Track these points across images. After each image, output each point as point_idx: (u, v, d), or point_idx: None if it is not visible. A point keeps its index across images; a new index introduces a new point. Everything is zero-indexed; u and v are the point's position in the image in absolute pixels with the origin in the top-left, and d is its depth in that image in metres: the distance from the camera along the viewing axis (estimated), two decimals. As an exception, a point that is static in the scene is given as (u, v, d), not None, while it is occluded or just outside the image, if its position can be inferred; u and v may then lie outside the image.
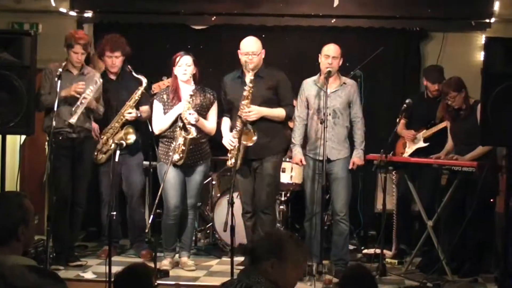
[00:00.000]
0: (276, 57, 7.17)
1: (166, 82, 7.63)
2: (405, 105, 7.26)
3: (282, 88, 7.04)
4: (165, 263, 7.06)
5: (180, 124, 6.80)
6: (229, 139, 6.89)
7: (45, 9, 8.99)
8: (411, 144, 7.89)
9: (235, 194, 6.83)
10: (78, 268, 7.11)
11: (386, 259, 7.49)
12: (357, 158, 7.10)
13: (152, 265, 6.23)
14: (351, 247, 7.79)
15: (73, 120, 7.04)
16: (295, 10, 8.96)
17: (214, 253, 7.89)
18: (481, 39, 8.45)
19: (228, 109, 7.15)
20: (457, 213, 7.07)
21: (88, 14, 9.06)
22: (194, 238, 7.94)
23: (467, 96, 7.10)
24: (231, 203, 6.11)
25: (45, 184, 7.42)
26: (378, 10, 8.83)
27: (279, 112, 6.99)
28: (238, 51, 6.94)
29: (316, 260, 6.85)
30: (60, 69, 6.84)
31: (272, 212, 7.13)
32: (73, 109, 7.04)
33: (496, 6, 8.53)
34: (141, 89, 7.35)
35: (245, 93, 6.77)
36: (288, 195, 8.09)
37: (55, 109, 6.76)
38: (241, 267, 3.95)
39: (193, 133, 6.86)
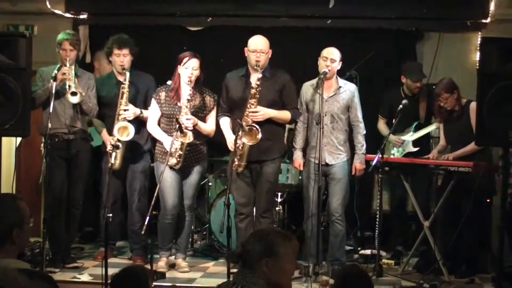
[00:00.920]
0: (273, 59, 7.15)
1: None
2: (401, 106, 7.26)
3: (288, 91, 7.03)
4: (161, 265, 7.04)
5: (176, 126, 6.77)
6: (233, 143, 6.84)
7: (40, 11, 8.98)
8: (397, 148, 7.83)
9: (231, 196, 6.83)
10: (74, 270, 7.10)
11: (383, 260, 7.49)
12: (358, 163, 7.15)
13: (148, 267, 6.21)
14: (347, 248, 7.80)
15: (74, 100, 6.98)
16: (291, 11, 8.95)
17: (210, 254, 7.87)
18: (477, 39, 8.45)
19: (228, 107, 7.12)
20: (452, 213, 7.07)
21: (84, 16, 9.04)
22: (190, 239, 7.93)
23: (459, 97, 7.10)
24: (227, 205, 6.11)
25: (41, 186, 7.41)
26: (374, 10, 8.82)
27: (285, 115, 6.98)
28: (245, 48, 6.92)
29: (312, 261, 6.85)
30: (56, 71, 6.81)
31: (270, 216, 7.16)
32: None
33: (492, 6, 8.53)
34: (126, 82, 7.17)
35: (252, 91, 6.74)
36: (284, 196, 8.08)
37: (51, 110, 6.74)
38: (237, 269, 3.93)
39: (190, 137, 6.82)
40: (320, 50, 7.20)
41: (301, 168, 7.28)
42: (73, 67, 7.04)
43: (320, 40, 8.11)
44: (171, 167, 6.93)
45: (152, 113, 7.15)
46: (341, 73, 7.43)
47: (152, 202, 6.30)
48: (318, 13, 8.87)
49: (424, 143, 7.78)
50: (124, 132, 7.11)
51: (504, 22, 8.48)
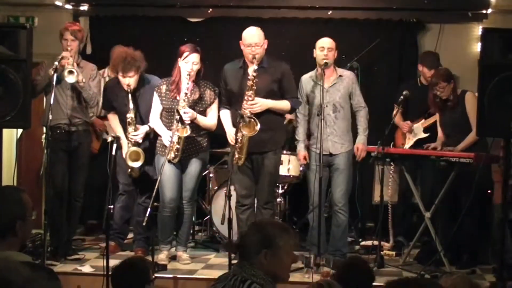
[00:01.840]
0: (273, 49, 7.14)
1: None
2: (402, 97, 7.27)
3: (286, 81, 7.00)
4: (161, 257, 7.02)
5: (177, 117, 6.76)
6: (232, 136, 6.82)
7: (41, 3, 8.98)
8: (410, 135, 7.89)
9: (232, 187, 6.83)
10: (76, 262, 7.10)
11: (384, 251, 7.50)
12: (361, 144, 7.17)
13: (149, 259, 6.22)
14: (349, 239, 7.80)
15: (70, 79, 6.95)
16: (291, 2, 8.95)
17: (211, 246, 7.88)
18: (478, 30, 8.44)
19: (227, 99, 7.10)
20: (452, 204, 7.07)
21: (84, 7, 9.03)
22: (192, 231, 7.93)
23: (455, 87, 7.13)
24: (228, 196, 6.10)
25: (42, 178, 7.42)
26: (375, 1, 8.82)
27: (284, 105, 6.97)
28: (240, 42, 6.91)
29: (314, 251, 6.85)
30: (56, 62, 6.80)
31: (272, 207, 7.16)
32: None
33: (493, -3, 8.53)
34: (131, 111, 7.10)
35: (249, 83, 6.71)
36: (285, 187, 8.09)
37: (51, 102, 6.74)
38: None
39: (188, 131, 6.80)
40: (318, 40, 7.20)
41: (305, 161, 7.27)
42: (73, 53, 7.01)
43: (321, 31, 8.09)
44: (169, 161, 6.92)
45: (154, 106, 7.13)
46: (342, 65, 7.42)
47: (153, 194, 6.31)
48: (319, 3, 8.86)
49: (436, 130, 7.76)
50: (135, 157, 7.11)
51: (505, 12, 8.48)
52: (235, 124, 6.83)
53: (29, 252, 6.73)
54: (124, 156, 7.13)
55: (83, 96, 7.16)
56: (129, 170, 7.05)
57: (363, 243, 7.96)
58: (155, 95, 7.10)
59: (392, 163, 7.82)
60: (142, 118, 7.25)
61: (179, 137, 6.82)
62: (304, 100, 7.21)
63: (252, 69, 6.74)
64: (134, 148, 7.12)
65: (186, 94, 6.84)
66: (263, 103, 6.80)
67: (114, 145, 6.71)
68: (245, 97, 6.72)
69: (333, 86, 7.14)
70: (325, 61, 6.97)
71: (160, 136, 7.07)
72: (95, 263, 6.94)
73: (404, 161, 7.49)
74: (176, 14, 9.07)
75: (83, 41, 7.53)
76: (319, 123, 6.91)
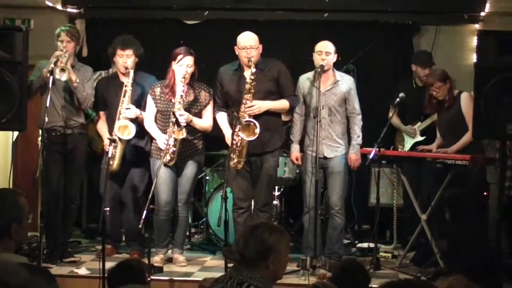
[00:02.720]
0: (269, 52, 7.14)
1: None
2: (398, 100, 7.27)
3: (283, 79, 7.01)
4: (156, 260, 7.02)
5: (173, 119, 6.76)
6: (231, 139, 6.79)
7: (37, 5, 8.96)
8: (410, 138, 7.89)
9: (229, 189, 6.82)
10: (72, 264, 7.09)
11: (381, 253, 7.50)
12: (354, 153, 7.15)
13: (145, 261, 6.21)
14: (345, 241, 7.80)
15: (61, 77, 6.90)
16: (287, 4, 8.95)
17: (208, 248, 7.87)
18: (474, 32, 8.45)
19: (223, 102, 7.10)
20: (452, 207, 7.07)
21: (80, 9, 9.03)
22: (188, 233, 7.93)
23: (451, 88, 7.11)
24: (224, 198, 6.10)
25: (38, 180, 7.41)
26: (371, 4, 8.82)
27: (283, 104, 6.98)
28: (235, 47, 6.91)
29: (310, 254, 6.85)
30: (52, 65, 6.80)
31: (269, 210, 7.16)
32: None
33: (489, -1, 8.55)
34: (129, 81, 7.12)
35: (247, 86, 6.72)
36: (281, 189, 8.09)
37: (47, 104, 6.73)
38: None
39: (184, 133, 6.79)
40: (317, 43, 7.19)
41: (298, 162, 7.28)
42: (68, 54, 7.01)
43: (317, 33, 8.10)
44: (165, 164, 6.91)
45: (149, 110, 7.13)
46: (338, 67, 7.43)
47: (149, 197, 6.31)
48: (315, 6, 8.86)
49: (432, 133, 7.75)
50: (125, 130, 7.07)
51: (501, 15, 8.48)
52: (232, 126, 6.82)
53: (25, 254, 6.70)
54: (114, 130, 7.09)
55: (77, 98, 7.14)
56: (107, 162, 6.94)
57: (359, 245, 7.96)
58: (149, 98, 7.10)
59: (390, 166, 7.81)
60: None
61: (175, 140, 6.81)
62: (301, 100, 7.20)
63: (249, 72, 6.75)
64: (124, 122, 7.08)
65: (181, 96, 6.84)
66: (261, 105, 6.80)
67: (111, 147, 6.73)
68: (243, 101, 6.73)
69: (329, 90, 7.14)
70: (321, 64, 6.97)
71: (155, 140, 7.06)
72: (91, 266, 6.94)
73: (402, 163, 7.49)
74: (172, 17, 9.06)
75: (79, 44, 7.52)
76: (314, 126, 6.91)
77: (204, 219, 8.18)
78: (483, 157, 6.69)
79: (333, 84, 7.15)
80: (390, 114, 7.63)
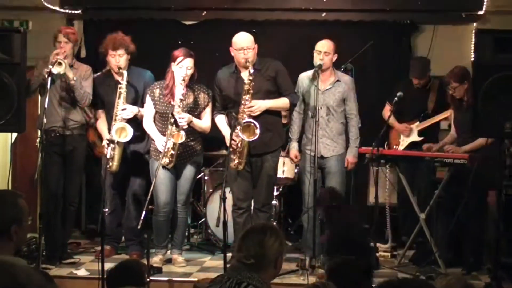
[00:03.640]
0: (267, 52, 7.16)
1: None
2: (396, 99, 7.27)
3: (281, 78, 7.00)
4: (155, 260, 7.02)
5: (171, 120, 6.76)
6: (230, 139, 6.75)
7: (35, 7, 8.96)
8: (405, 137, 7.87)
9: (227, 190, 6.82)
10: (71, 266, 7.09)
11: (379, 252, 7.50)
12: (351, 156, 7.16)
13: (145, 261, 6.22)
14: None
15: (57, 69, 6.85)
16: (285, 4, 8.95)
17: (207, 248, 7.87)
18: (472, 31, 8.44)
19: (222, 105, 7.10)
20: (451, 205, 7.06)
21: (78, 11, 9.03)
22: (187, 234, 7.93)
23: (469, 87, 6.94)
24: (223, 198, 6.09)
25: (37, 182, 7.41)
26: (369, 3, 8.83)
27: (283, 102, 6.97)
28: (231, 48, 6.91)
29: (309, 254, 6.86)
30: (50, 66, 6.79)
31: (269, 210, 7.17)
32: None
33: (486, -2, 8.55)
34: (123, 82, 7.10)
35: (245, 87, 6.72)
36: (280, 189, 8.09)
37: (46, 105, 6.72)
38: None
39: (183, 137, 6.79)
40: (315, 43, 7.21)
41: (296, 160, 7.29)
42: (65, 55, 7.00)
43: (315, 33, 8.11)
44: (163, 166, 6.91)
45: (147, 110, 7.12)
46: (336, 66, 7.43)
47: (148, 198, 6.31)
48: (313, 6, 8.86)
49: (430, 134, 7.75)
50: (122, 132, 7.05)
51: (498, 13, 8.49)
52: (231, 126, 6.82)
53: (24, 256, 6.72)
54: (111, 132, 7.05)
55: (74, 96, 7.12)
56: (108, 166, 6.95)
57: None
58: (148, 98, 7.09)
59: (387, 165, 7.80)
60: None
61: (174, 143, 6.81)
62: (300, 98, 7.21)
63: (247, 73, 6.74)
64: (121, 124, 7.05)
65: (181, 100, 6.83)
66: (261, 105, 6.81)
67: (109, 148, 6.72)
68: (243, 101, 6.73)
69: (328, 90, 7.14)
70: (318, 63, 6.98)
71: (154, 140, 7.06)
72: (90, 267, 6.93)
73: (399, 162, 7.48)
74: (171, 17, 9.06)
75: (77, 45, 7.52)
76: (312, 125, 6.92)
77: (203, 219, 8.18)
78: (482, 155, 6.69)
79: (332, 84, 7.16)
80: (387, 112, 7.65)
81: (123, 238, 7.72)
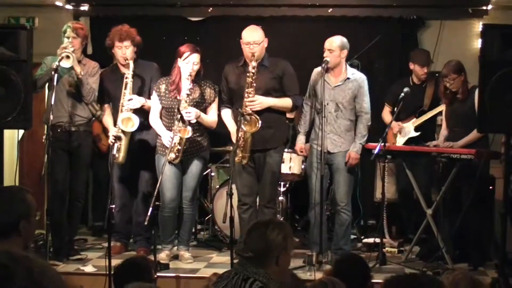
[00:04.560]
0: (273, 48, 7.15)
1: None
2: (403, 94, 7.26)
3: (287, 78, 7.00)
4: (162, 257, 7.01)
5: (178, 116, 6.76)
6: (236, 135, 6.77)
7: (41, 3, 8.99)
8: (400, 134, 7.87)
9: (234, 186, 6.83)
10: (78, 262, 7.10)
11: (386, 248, 7.50)
12: (354, 151, 7.12)
13: (152, 258, 6.23)
14: (351, 236, 7.80)
15: (66, 64, 6.89)
16: (291, 0, 8.95)
17: (214, 245, 7.88)
18: (478, 26, 8.44)
19: (229, 98, 7.11)
20: (455, 201, 7.07)
21: (84, 7, 9.04)
22: (194, 230, 7.94)
23: (465, 80, 7.08)
24: (230, 195, 6.10)
25: (44, 178, 7.42)
26: (375, -1, 8.83)
27: (285, 102, 6.98)
28: (241, 40, 6.91)
29: (316, 249, 6.86)
30: (57, 62, 6.79)
31: (274, 206, 7.17)
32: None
33: (493, -7, 8.53)
34: (130, 72, 7.10)
35: (248, 80, 6.72)
36: (287, 185, 8.09)
37: (52, 102, 6.73)
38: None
39: (189, 132, 6.79)
40: (322, 39, 7.20)
41: (303, 153, 7.30)
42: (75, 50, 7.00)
43: (321, 29, 8.11)
44: (170, 162, 6.92)
45: (154, 106, 7.12)
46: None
47: (154, 194, 6.31)
48: (319, 1, 8.86)
49: (427, 129, 7.77)
50: (128, 122, 7.06)
51: (505, 8, 8.48)
52: (237, 122, 6.84)
53: (31, 252, 6.73)
54: (117, 123, 7.07)
55: (80, 91, 7.13)
56: (114, 159, 6.96)
57: (365, 240, 7.96)
58: (154, 94, 7.10)
59: (389, 161, 7.81)
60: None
61: (181, 138, 6.81)
62: (311, 92, 7.20)
63: (251, 66, 6.74)
64: (127, 114, 7.05)
65: (188, 95, 6.83)
66: (263, 101, 6.80)
67: (116, 145, 6.74)
68: (245, 94, 6.73)
69: (339, 86, 7.13)
70: (325, 59, 6.98)
71: (160, 136, 7.07)
72: (97, 263, 6.94)
73: (405, 158, 7.48)
74: (177, 14, 9.08)
75: (86, 40, 7.52)
76: (320, 120, 6.92)
77: (210, 215, 8.19)
78: (488, 151, 6.69)
79: (343, 81, 7.14)
80: (386, 114, 7.70)
81: (130, 238, 7.74)
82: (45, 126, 7.09)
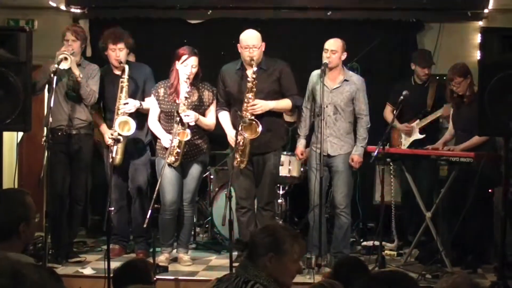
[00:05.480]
0: (272, 51, 7.15)
1: None
2: (402, 97, 7.25)
3: (285, 79, 7.00)
4: (161, 259, 7.01)
5: (177, 119, 6.76)
6: (233, 138, 6.80)
7: (40, 6, 8.99)
8: (407, 136, 7.88)
9: (233, 189, 6.83)
10: (77, 264, 7.10)
11: (386, 251, 7.50)
12: (357, 155, 7.11)
13: (150, 260, 6.22)
14: (350, 239, 7.79)
15: (64, 66, 6.85)
16: (290, 3, 8.96)
17: (213, 247, 7.87)
18: (478, 29, 8.44)
19: (226, 101, 7.11)
20: (456, 204, 7.05)
21: (84, 10, 9.04)
22: (193, 233, 7.93)
23: (472, 83, 7.02)
24: (229, 197, 6.09)
25: (43, 181, 7.41)
26: (374, 2, 8.82)
27: (285, 103, 6.98)
28: (238, 45, 6.91)
29: (315, 252, 6.85)
30: (56, 65, 6.79)
31: (272, 208, 7.16)
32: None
33: (492, -4, 8.54)
34: (125, 76, 7.11)
35: (248, 85, 6.71)
36: (286, 188, 8.09)
37: (52, 104, 6.72)
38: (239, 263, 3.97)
39: (188, 135, 6.79)
40: (320, 41, 7.19)
41: (303, 157, 7.30)
42: (73, 52, 7.00)
43: (320, 31, 8.11)
44: (170, 165, 6.91)
45: (152, 109, 7.13)
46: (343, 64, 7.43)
47: (154, 196, 6.30)
48: (318, 4, 8.86)
49: (431, 131, 7.77)
50: (125, 126, 7.05)
51: (504, 12, 8.49)
52: (235, 125, 6.84)
53: (30, 254, 6.70)
54: (114, 126, 7.07)
55: (80, 94, 7.12)
56: (110, 160, 6.96)
57: (364, 243, 7.95)
58: (153, 98, 7.10)
59: (391, 164, 7.82)
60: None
61: (180, 141, 6.81)
62: (310, 95, 7.20)
63: (251, 71, 6.74)
64: (124, 118, 7.06)
65: (186, 98, 6.82)
66: (264, 105, 6.80)
67: (115, 147, 6.72)
68: (245, 99, 6.73)
69: (337, 89, 7.12)
70: (324, 61, 6.97)
71: (159, 139, 7.06)
72: (96, 266, 6.94)
73: (404, 161, 7.48)
74: (176, 16, 9.08)
75: (85, 43, 7.53)
76: (319, 123, 6.92)
77: (209, 218, 8.18)
78: (487, 154, 6.69)
79: (341, 83, 7.13)
80: (388, 114, 7.68)
81: (131, 236, 7.73)
82: (45, 129, 7.08)
